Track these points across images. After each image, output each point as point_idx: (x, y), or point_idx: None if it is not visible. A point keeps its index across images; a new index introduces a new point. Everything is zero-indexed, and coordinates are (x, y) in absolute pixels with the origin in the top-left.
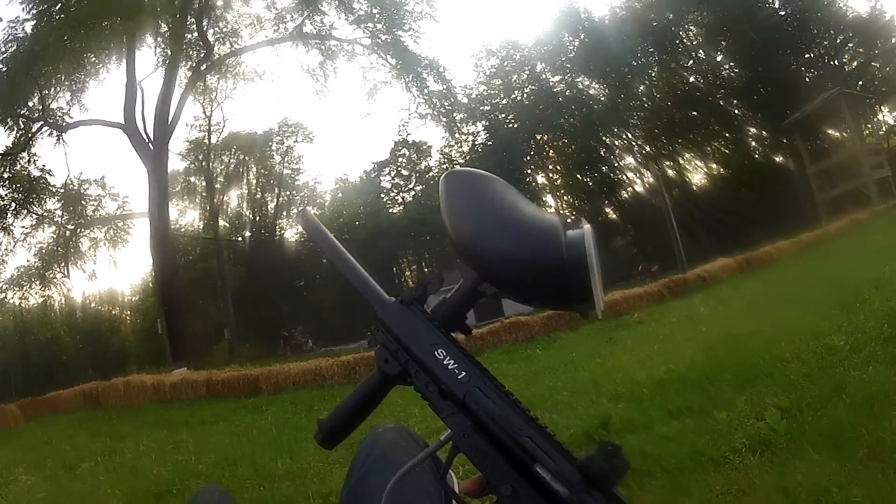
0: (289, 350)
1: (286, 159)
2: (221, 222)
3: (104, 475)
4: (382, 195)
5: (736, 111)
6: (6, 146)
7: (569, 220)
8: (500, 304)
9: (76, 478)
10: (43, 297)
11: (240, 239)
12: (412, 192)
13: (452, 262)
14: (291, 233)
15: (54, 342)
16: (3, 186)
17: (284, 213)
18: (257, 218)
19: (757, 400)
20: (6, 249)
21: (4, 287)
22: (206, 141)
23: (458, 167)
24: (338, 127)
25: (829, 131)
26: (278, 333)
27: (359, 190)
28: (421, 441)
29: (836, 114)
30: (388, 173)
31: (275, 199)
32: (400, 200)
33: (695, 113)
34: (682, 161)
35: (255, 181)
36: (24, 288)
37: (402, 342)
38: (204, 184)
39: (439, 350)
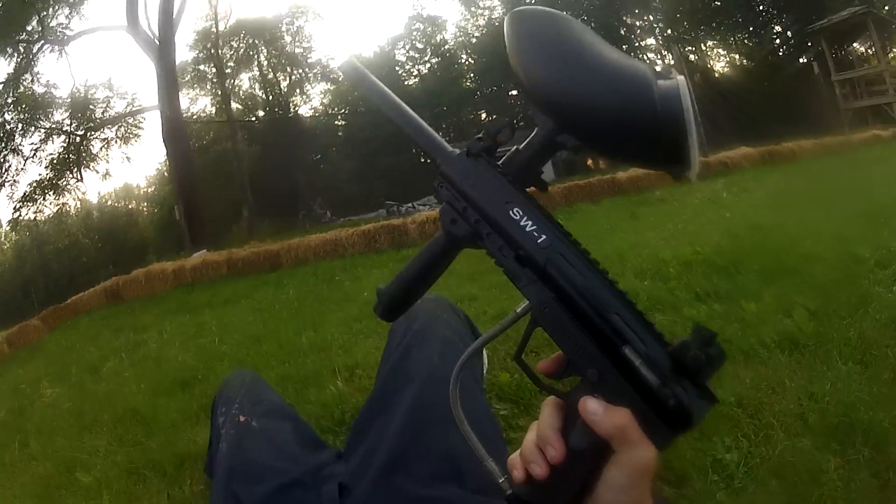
0: (307, 223)
1: (297, 39)
2: (234, 105)
3: (128, 371)
4: (398, 68)
5: (760, 7)
6: (7, 73)
7: (659, 70)
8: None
9: (101, 379)
10: (58, 205)
11: (254, 119)
12: (427, 65)
13: (470, 133)
14: (306, 109)
15: (73, 247)
16: (8, 111)
17: (298, 91)
18: (270, 97)
19: (784, 296)
20: (17, 169)
21: (18, 206)
22: (214, 29)
23: (527, 6)
24: (350, 3)
25: (855, 45)
26: (296, 208)
27: (373, 64)
28: (461, 313)
29: (862, 30)
30: (403, 47)
31: (287, 78)
32: (416, 73)
33: (717, 3)
34: (704, 48)
35: (266, 63)
36: (38, 201)
37: (472, 199)
38: (214, 70)
39: (515, 209)
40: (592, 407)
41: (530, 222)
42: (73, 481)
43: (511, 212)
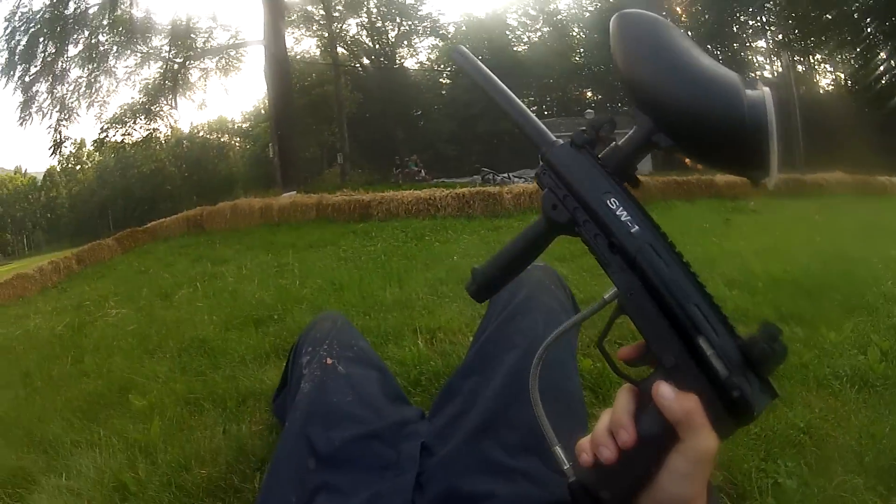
0: (401, 178)
1: None
2: (340, 50)
3: (202, 301)
4: (508, 33)
5: (869, 29)
6: None
7: (747, 80)
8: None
9: (171, 306)
10: (148, 130)
11: (358, 66)
12: (538, 34)
13: (572, 110)
14: (412, 62)
15: (158, 173)
16: (103, 33)
17: (405, 42)
18: (377, 46)
19: (861, 331)
20: (108, 91)
21: (106, 127)
22: None
23: (631, 9)
24: None
25: None
26: (392, 161)
27: (484, 26)
28: (566, 287)
29: None
30: (516, 11)
31: (396, 28)
32: (526, 40)
33: (828, 17)
34: (812, 60)
35: (375, 10)
36: (128, 125)
37: (573, 188)
38: (322, 12)
39: (612, 199)
40: (665, 391)
41: (625, 213)
42: (125, 402)
43: (609, 201)
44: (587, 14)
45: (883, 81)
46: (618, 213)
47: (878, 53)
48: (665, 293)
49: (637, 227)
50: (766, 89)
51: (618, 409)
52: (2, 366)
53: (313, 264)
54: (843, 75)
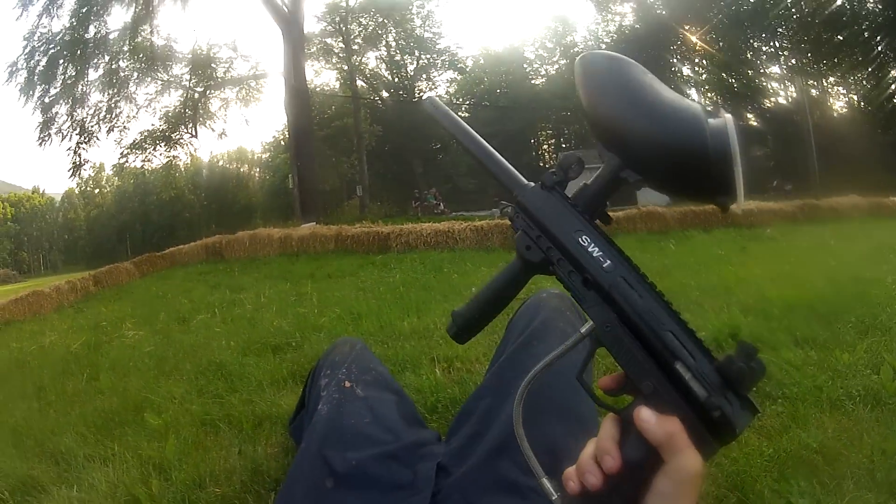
0: (420, 211)
1: (427, 23)
2: (359, 83)
3: (220, 326)
4: (525, 66)
5: (879, 47)
6: (125, 22)
7: (708, 109)
8: (633, 191)
9: (189, 330)
10: (168, 157)
11: (377, 99)
12: (556, 66)
13: (591, 142)
14: (431, 95)
15: (177, 200)
16: (123, 59)
17: (424, 76)
18: (395, 79)
19: (874, 351)
20: (128, 116)
21: (126, 152)
22: (344, 3)
23: (595, 50)
24: None
25: None
26: (410, 194)
27: (502, 59)
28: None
29: None
30: (533, 45)
31: (414, 62)
32: (543, 73)
33: (840, 38)
34: (825, 84)
35: (394, 44)
36: (148, 151)
37: (545, 228)
38: (342, 45)
39: (583, 237)
40: (646, 414)
41: (597, 249)
42: (140, 420)
43: (580, 239)
44: (603, 46)
45: (895, 100)
46: (589, 249)
47: (889, 72)
48: (640, 323)
49: (609, 262)
50: (728, 116)
51: (602, 436)
52: (16, 379)
53: (332, 294)
54: (856, 97)
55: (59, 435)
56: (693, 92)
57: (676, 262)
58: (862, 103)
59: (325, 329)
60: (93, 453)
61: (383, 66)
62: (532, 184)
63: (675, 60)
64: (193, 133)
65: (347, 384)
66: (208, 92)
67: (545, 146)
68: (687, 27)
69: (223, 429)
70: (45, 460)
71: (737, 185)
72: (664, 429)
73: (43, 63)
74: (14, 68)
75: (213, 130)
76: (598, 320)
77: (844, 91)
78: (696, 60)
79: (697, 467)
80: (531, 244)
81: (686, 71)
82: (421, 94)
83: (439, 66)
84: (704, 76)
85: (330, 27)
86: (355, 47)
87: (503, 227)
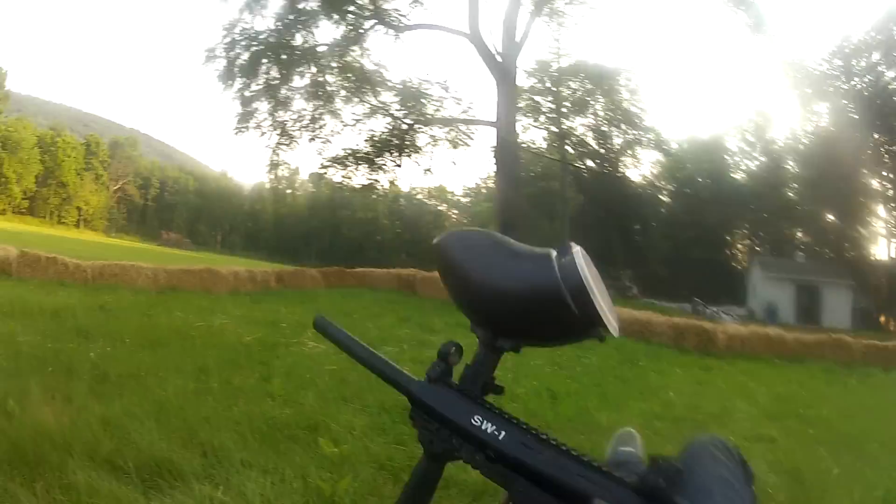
0: (612, 291)
1: (634, 97)
2: (566, 147)
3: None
4: (727, 157)
5: None
6: (334, 38)
7: (560, 248)
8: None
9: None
10: (370, 179)
11: (583, 167)
12: (756, 163)
13: (786, 249)
14: (634, 173)
15: (373, 222)
16: (331, 74)
17: (629, 151)
18: (601, 150)
19: None
20: (332, 131)
21: (327, 164)
22: (556, 63)
23: (449, 231)
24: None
25: None
26: (605, 271)
27: (706, 147)
28: (737, 454)
29: None
30: (735, 136)
31: (622, 136)
32: (743, 167)
33: None
34: None
35: (601, 113)
36: (349, 168)
37: (442, 418)
38: (551, 105)
39: (475, 417)
40: None
41: (490, 425)
42: (313, 443)
43: (473, 420)
44: (801, 146)
45: None
46: (483, 427)
47: None
48: (549, 476)
49: (504, 433)
50: (577, 248)
51: None
52: (175, 349)
53: (527, 362)
54: None
55: (215, 427)
56: (881, 208)
57: (858, 402)
58: None
59: (520, 400)
60: (251, 460)
61: (590, 134)
62: (420, 380)
63: (864, 171)
64: (398, 163)
65: None
66: (417, 126)
67: (739, 246)
68: (876, 136)
69: (405, 480)
70: (191, 449)
71: (601, 312)
72: None
73: (244, 57)
74: (213, 54)
75: (417, 164)
76: (511, 489)
77: None
78: (885, 173)
79: None
80: (433, 438)
81: (875, 183)
82: (625, 169)
83: (644, 143)
84: (892, 191)
85: (539, 84)
86: (563, 109)
87: (699, 328)
